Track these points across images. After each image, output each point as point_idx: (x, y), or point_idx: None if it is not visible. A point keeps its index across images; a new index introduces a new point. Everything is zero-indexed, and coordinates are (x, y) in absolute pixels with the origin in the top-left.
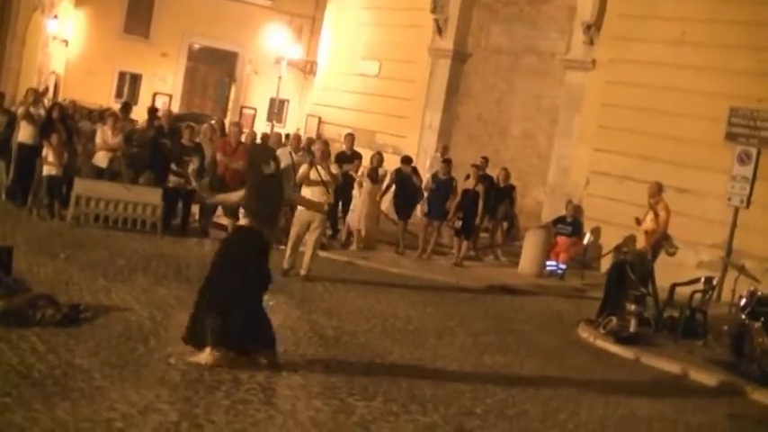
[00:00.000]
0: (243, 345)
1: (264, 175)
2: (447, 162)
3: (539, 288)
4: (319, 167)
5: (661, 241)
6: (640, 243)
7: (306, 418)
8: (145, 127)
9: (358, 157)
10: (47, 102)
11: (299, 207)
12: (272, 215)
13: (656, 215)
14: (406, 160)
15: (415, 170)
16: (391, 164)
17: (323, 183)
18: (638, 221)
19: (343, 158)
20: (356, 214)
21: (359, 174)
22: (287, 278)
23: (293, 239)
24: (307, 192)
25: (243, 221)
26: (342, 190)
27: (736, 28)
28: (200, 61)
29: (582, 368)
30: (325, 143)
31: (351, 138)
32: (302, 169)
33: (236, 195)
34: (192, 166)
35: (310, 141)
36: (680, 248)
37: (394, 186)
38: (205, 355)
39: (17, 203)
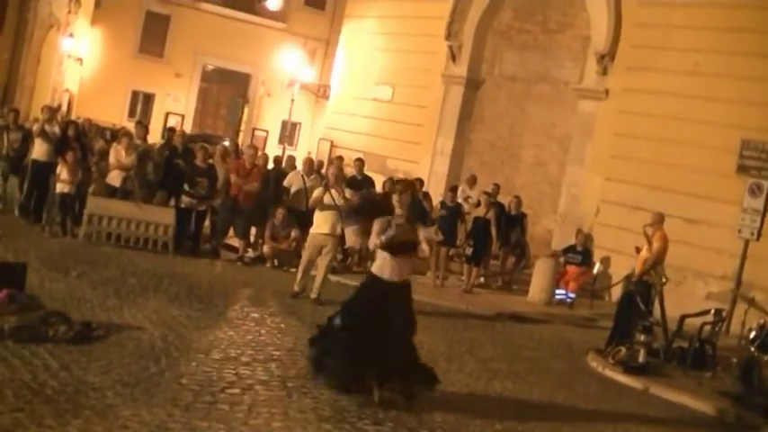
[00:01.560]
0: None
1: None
2: (453, 190)
3: (548, 316)
4: (333, 191)
5: (651, 270)
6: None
7: None
8: (162, 146)
9: (370, 182)
10: (59, 118)
11: (312, 230)
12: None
13: (650, 244)
14: (419, 183)
15: (426, 195)
16: None
17: (336, 207)
18: (638, 250)
19: (353, 183)
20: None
21: None
22: (297, 301)
23: (305, 263)
24: (320, 216)
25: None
26: None
27: (748, 60)
28: (213, 82)
29: (591, 396)
30: (339, 168)
31: (360, 163)
32: (316, 193)
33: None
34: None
35: (321, 165)
36: (689, 279)
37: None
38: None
39: (30, 220)
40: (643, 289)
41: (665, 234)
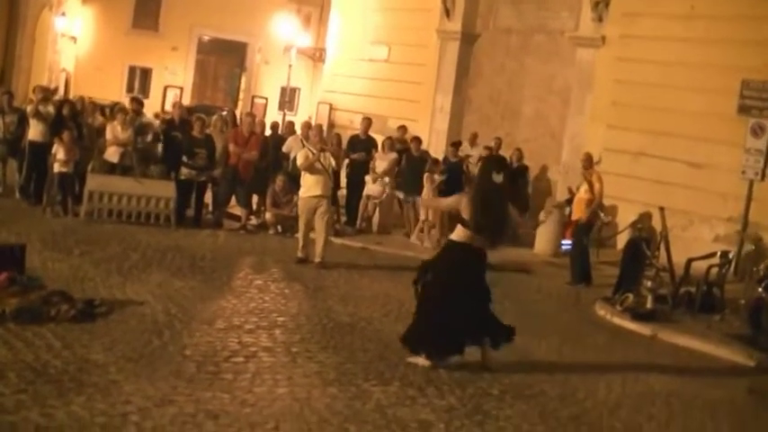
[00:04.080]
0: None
1: (493, 184)
2: (455, 145)
3: (555, 267)
4: (323, 154)
5: (597, 211)
6: (579, 212)
7: (322, 405)
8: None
9: (373, 143)
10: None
11: (302, 194)
12: (497, 231)
13: (591, 186)
14: (416, 141)
15: (425, 153)
16: None
17: (325, 170)
18: (571, 191)
19: (356, 143)
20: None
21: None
22: (301, 266)
23: (303, 228)
24: (310, 179)
25: (460, 236)
26: (355, 176)
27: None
28: (209, 53)
29: (599, 346)
30: (321, 130)
31: (367, 122)
32: (306, 156)
33: (446, 201)
34: None
35: (319, 129)
36: (695, 223)
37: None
38: (422, 360)
39: (31, 202)
40: (587, 230)
41: (599, 173)
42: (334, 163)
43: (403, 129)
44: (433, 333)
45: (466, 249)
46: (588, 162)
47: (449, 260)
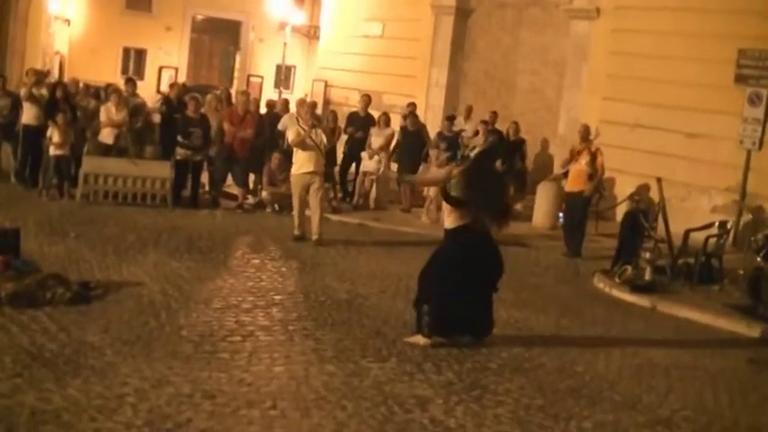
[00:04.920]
0: (457, 333)
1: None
2: (450, 119)
3: (553, 240)
4: (314, 131)
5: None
6: (579, 185)
7: (319, 383)
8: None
9: (371, 120)
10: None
11: (294, 172)
12: (498, 211)
13: (594, 158)
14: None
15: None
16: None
17: (317, 146)
18: (570, 160)
19: (355, 120)
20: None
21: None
22: (298, 244)
23: (297, 206)
24: (302, 156)
25: (454, 221)
26: (351, 153)
27: None
28: (204, 32)
29: (598, 319)
30: (312, 106)
31: (366, 99)
32: (296, 132)
33: (440, 173)
34: None
35: (310, 106)
36: (693, 194)
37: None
38: (419, 339)
39: (27, 186)
40: (585, 204)
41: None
42: (325, 140)
43: (412, 106)
44: (437, 315)
45: (467, 231)
46: (586, 133)
47: (447, 249)
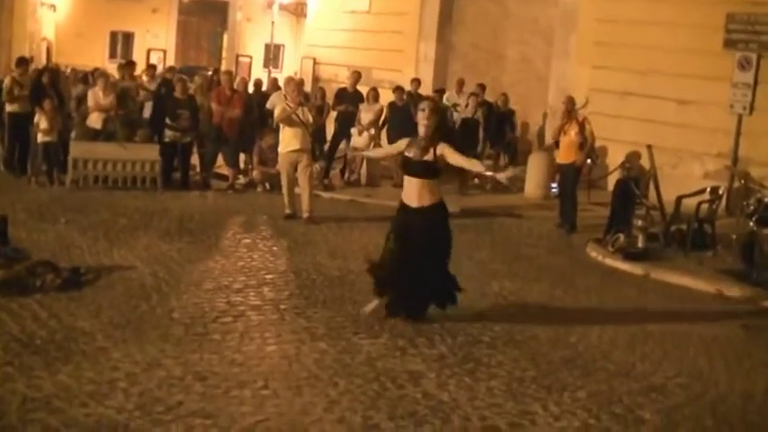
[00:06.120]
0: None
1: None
2: (439, 92)
3: (545, 211)
4: (300, 108)
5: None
6: (571, 156)
7: (311, 361)
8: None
9: (360, 96)
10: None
11: (281, 150)
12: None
13: (583, 127)
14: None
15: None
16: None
17: (303, 123)
18: (560, 133)
19: (344, 96)
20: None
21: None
22: (289, 222)
23: (286, 184)
24: (288, 133)
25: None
26: (342, 129)
27: None
28: (191, 14)
29: (591, 288)
30: (299, 84)
31: (355, 75)
32: (282, 109)
33: (392, 147)
34: None
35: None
36: (685, 160)
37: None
38: (374, 301)
39: (15, 173)
40: (575, 174)
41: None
42: (311, 119)
43: (416, 82)
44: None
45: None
46: (571, 104)
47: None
